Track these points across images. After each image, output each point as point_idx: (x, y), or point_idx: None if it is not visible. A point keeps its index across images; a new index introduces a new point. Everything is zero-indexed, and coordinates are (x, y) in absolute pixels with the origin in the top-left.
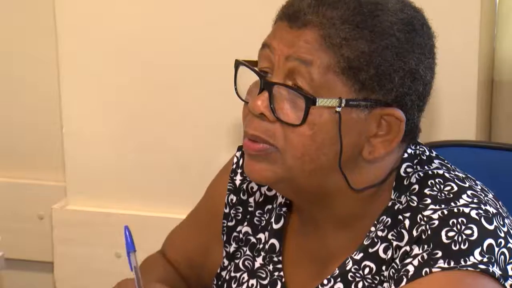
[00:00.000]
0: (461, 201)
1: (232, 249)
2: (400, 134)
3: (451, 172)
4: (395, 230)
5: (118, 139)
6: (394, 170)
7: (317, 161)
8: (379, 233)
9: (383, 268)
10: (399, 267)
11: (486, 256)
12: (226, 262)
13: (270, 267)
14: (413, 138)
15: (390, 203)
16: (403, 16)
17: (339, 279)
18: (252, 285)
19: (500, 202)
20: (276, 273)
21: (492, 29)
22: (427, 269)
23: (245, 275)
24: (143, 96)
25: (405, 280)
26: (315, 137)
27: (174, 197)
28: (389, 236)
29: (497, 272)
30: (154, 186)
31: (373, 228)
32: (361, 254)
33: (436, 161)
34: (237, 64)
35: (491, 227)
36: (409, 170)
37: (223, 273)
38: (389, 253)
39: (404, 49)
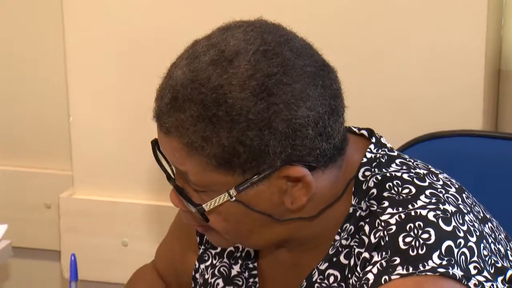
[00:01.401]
0: (419, 203)
1: (200, 251)
2: (308, 178)
3: (411, 171)
4: (357, 237)
5: (125, 129)
6: (352, 178)
7: (252, 231)
8: (343, 242)
9: (348, 275)
10: (360, 275)
11: (445, 258)
12: (197, 264)
13: (246, 274)
14: (339, 153)
15: (351, 210)
16: (254, 84)
17: None
18: None
19: (464, 195)
20: (251, 280)
21: (499, 19)
22: (386, 277)
23: (220, 281)
24: (150, 86)
25: None
26: (230, 222)
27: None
28: (352, 243)
29: (458, 273)
30: (161, 175)
31: (337, 237)
32: (326, 264)
33: (397, 160)
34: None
35: (449, 228)
36: (367, 173)
37: (197, 275)
38: (352, 260)
39: (266, 118)
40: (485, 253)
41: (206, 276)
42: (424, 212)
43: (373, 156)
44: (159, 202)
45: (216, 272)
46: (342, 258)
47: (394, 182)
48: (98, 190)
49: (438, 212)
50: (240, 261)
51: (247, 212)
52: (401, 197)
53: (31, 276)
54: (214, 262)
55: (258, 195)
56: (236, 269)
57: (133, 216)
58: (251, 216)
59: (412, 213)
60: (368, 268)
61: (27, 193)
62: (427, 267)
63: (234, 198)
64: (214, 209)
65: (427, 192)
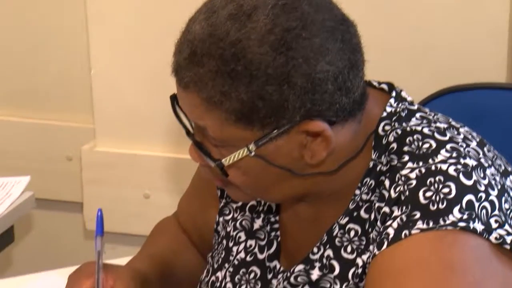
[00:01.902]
0: (439, 157)
1: (221, 204)
2: (328, 132)
3: (432, 125)
4: (377, 191)
5: (147, 81)
6: (372, 133)
7: (271, 185)
8: (364, 196)
9: (369, 229)
10: (380, 229)
11: (466, 213)
12: (217, 218)
13: (268, 228)
14: (359, 108)
15: (371, 164)
16: (273, 38)
17: (328, 246)
18: (251, 245)
19: (486, 148)
20: (273, 233)
21: None
22: (407, 231)
23: (242, 234)
24: (171, 39)
25: (386, 243)
26: (249, 176)
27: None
28: (372, 198)
29: (479, 227)
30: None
31: (357, 192)
32: (347, 218)
33: (417, 114)
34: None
35: (470, 182)
36: (387, 128)
37: (219, 228)
38: (372, 214)
39: (285, 73)
40: (507, 206)
41: (228, 229)
42: (444, 167)
43: (393, 110)
44: (181, 154)
45: (238, 225)
46: (362, 212)
47: (414, 137)
48: (120, 143)
49: (459, 167)
50: (262, 215)
51: (266, 167)
52: (421, 151)
53: (53, 227)
54: (235, 215)
55: (278, 149)
56: (258, 223)
57: (155, 168)
58: (270, 171)
59: (433, 167)
60: (388, 223)
61: (49, 146)
62: (447, 222)
63: (253, 153)
64: (233, 164)
65: (448, 146)
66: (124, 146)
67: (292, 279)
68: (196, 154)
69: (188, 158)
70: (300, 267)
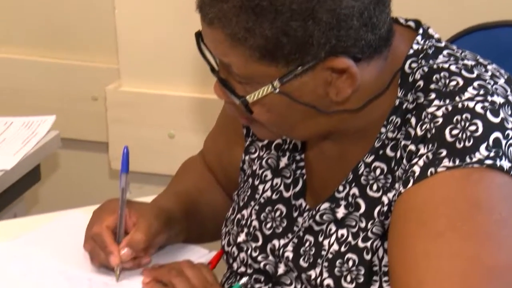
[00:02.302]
0: (466, 95)
1: (247, 143)
2: (353, 69)
3: (459, 62)
4: (403, 130)
5: (171, 20)
6: (398, 70)
7: (296, 123)
8: (389, 134)
9: (394, 168)
10: (406, 167)
11: (493, 150)
12: (243, 156)
13: (293, 166)
14: (385, 45)
15: (397, 102)
16: None
17: (353, 184)
18: (277, 183)
19: None
20: (298, 172)
21: None
22: (433, 169)
23: (268, 173)
24: None
25: (411, 181)
26: (274, 114)
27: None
28: (398, 136)
29: (506, 165)
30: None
31: (383, 130)
32: (372, 157)
33: (445, 51)
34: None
35: (497, 120)
36: (413, 65)
37: (245, 167)
38: (398, 153)
39: (310, 9)
40: None
41: (254, 167)
42: (471, 104)
43: (419, 48)
44: (205, 94)
45: (263, 163)
46: (388, 150)
47: (441, 74)
48: (145, 83)
49: (486, 104)
50: (287, 153)
51: (291, 104)
52: (448, 89)
53: (79, 167)
54: (261, 154)
55: (302, 86)
56: (284, 161)
57: (180, 108)
58: (295, 108)
59: (459, 105)
60: (414, 161)
61: (74, 86)
62: (474, 159)
63: (278, 90)
64: (258, 101)
65: (475, 83)
66: (149, 86)
67: (317, 217)
68: (220, 91)
69: (213, 98)
70: (326, 205)
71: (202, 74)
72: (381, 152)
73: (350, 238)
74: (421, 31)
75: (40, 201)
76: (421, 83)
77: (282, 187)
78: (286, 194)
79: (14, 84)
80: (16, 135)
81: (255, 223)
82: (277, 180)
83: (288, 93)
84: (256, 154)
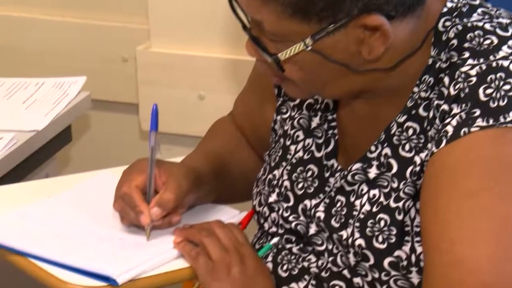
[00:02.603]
0: (501, 54)
1: (278, 102)
2: (386, 27)
3: (493, 21)
4: (436, 89)
5: None
6: (431, 29)
7: (327, 81)
8: (422, 94)
9: (427, 128)
10: (439, 127)
11: None
12: (274, 116)
13: (325, 126)
14: (418, 2)
15: (430, 61)
16: None
17: (385, 144)
18: (308, 144)
19: None
20: (330, 131)
21: None
22: (466, 129)
23: (300, 133)
24: None
25: (444, 141)
26: (306, 72)
27: None
28: (431, 96)
29: None
30: (238, 28)
31: (416, 89)
32: (405, 116)
33: (479, 9)
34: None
35: None
36: (447, 24)
37: (276, 127)
38: (431, 112)
39: None
40: None
41: (286, 128)
42: (506, 63)
43: (453, 6)
44: (235, 55)
45: (295, 123)
46: (421, 110)
47: (476, 33)
48: (174, 43)
49: None
50: (319, 113)
51: (323, 62)
52: (482, 48)
53: (110, 128)
54: (293, 114)
55: (335, 44)
56: (315, 121)
57: (210, 69)
58: (327, 66)
59: (494, 64)
60: (447, 121)
61: (104, 47)
62: (508, 119)
63: (310, 47)
64: (290, 58)
65: (510, 42)
66: (179, 46)
67: (349, 178)
68: (252, 49)
69: (243, 59)
70: (358, 165)
71: (233, 35)
72: (413, 112)
73: (382, 199)
74: None
75: (72, 161)
76: (454, 42)
77: (313, 147)
78: (317, 154)
79: (45, 45)
80: (48, 96)
81: (286, 183)
82: (309, 140)
83: (320, 51)
84: (288, 114)
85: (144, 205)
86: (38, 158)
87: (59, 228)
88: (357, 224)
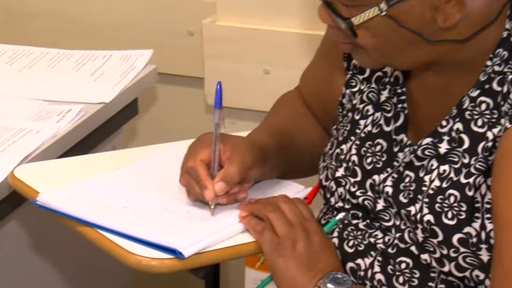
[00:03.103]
0: None
1: (348, 76)
2: None
3: None
4: (511, 63)
5: None
6: (507, 1)
7: (400, 49)
8: (496, 68)
9: (501, 103)
10: None
11: None
12: (343, 90)
13: (394, 100)
14: None
15: (505, 34)
16: None
17: (457, 119)
18: (377, 117)
19: None
20: (399, 105)
21: None
22: None
23: (370, 107)
24: None
25: None
26: (378, 38)
27: None
28: (505, 70)
29: None
30: (305, 2)
31: (489, 63)
32: (478, 91)
33: None
34: None
35: None
36: None
37: (344, 101)
38: (505, 87)
39: None
40: None
41: (354, 102)
42: None
43: None
44: (301, 29)
45: (364, 98)
46: (494, 85)
47: None
48: (241, 17)
49: None
50: (388, 87)
51: (396, 29)
52: None
53: (175, 101)
54: (362, 87)
55: (409, 10)
56: (384, 94)
57: (276, 43)
58: (400, 33)
59: None
60: None
61: (171, 20)
62: None
63: (384, 13)
64: (363, 24)
65: None
66: (245, 20)
67: (419, 152)
68: (325, 14)
69: (309, 34)
70: (428, 140)
71: (300, 9)
72: (487, 86)
73: (452, 174)
74: None
75: (138, 134)
76: None
77: (382, 121)
78: (386, 128)
79: (112, 18)
80: (115, 69)
81: (354, 158)
82: (378, 114)
83: (394, 17)
84: (357, 88)
85: (209, 180)
86: (105, 131)
87: (126, 200)
88: (426, 199)
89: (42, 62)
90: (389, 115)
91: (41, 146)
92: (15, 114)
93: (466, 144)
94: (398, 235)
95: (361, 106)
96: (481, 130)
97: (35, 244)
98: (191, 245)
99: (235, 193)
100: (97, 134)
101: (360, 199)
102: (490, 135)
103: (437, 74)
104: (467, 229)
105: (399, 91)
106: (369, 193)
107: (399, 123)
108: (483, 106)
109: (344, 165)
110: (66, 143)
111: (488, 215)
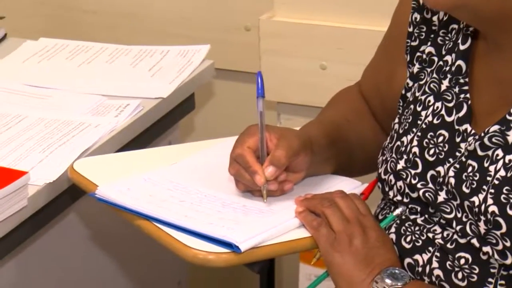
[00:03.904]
0: None
1: (415, 69)
2: None
3: None
4: None
5: None
6: None
7: None
8: None
9: None
10: None
11: None
12: (410, 83)
13: (456, 89)
14: None
15: None
16: None
17: None
18: (438, 107)
19: None
20: (462, 95)
21: None
22: None
23: (431, 98)
24: None
25: None
26: None
27: (382, 9)
28: None
29: None
30: None
31: None
32: None
33: None
34: None
35: None
36: None
37: (408, 94)
38: None
39: None
40: None
41: (417, 94)
42: None
43: None
44: (359, 25)
45: (426, 89)
46: None
47: None
48: (298, 13)
49: None
50: (449, 76)
51: None
52: None
53: (231, 97)
54: (428, 79)
55: None
56: (445, 83)
57: (333, 39)
58: None
59: None
60: None
61: (227, 16)
62: None
63: None
64: None
65: None
66: (303, 16)
67: (485, 140)
68: None
69: (366, 29)
70: (496, 127)
71: (357, 4)
72: None
73: None
74: None
75: (194, 130)
76: None
77: (443, 111)
78: (448, 119)
79: (170, 13)
80: (172, 64)
81: (415, 149)
82: (438, 104)
83: None
84: (424, 80)
85: (258, 165)
86: (162, 126)
87: (183, 194)
88: (491, 190)
89: (101, 58)
90: (450, 105)
91: (99, 140)
92: (75, 109)
93: None
94: (459, 227)
95: (423, 97)
96: None
97: (94, 236)
98: (247, 239)
99: (283, 183)
100: (154, 129)
101: (421, 192)
102: None
103: (504, 62)
104: None
105: (461, 80)
106: (430, 185)
107: (462, 113)
108: None
109: (405, 157)
110: (123, 138)
111: None
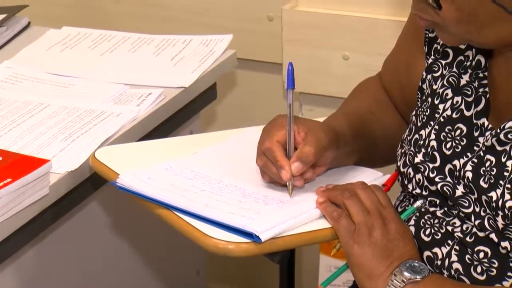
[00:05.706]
0: None
1: (430, 60)
2: None
3: None
4: None
5: None
6: None
7: (483, 24)
8: None
9: None
10: None
11: None
12: (424, 74)
13: (476, 84)
14: None
15: None
16: None
17: None
18: (457, 102)
19: None
20: (480, 89)
21: None
22: None
23: (449, 91)
24: None
25: None
26: (462, 12)
27: None
28: None
29: None
30: None
31: None
32: None
33: None
34: None
35: None
36: None
37: (424, 86)
38: None
39: None
40: None
41: (434, 87)
42: None
43: None
44: (382, 15)
45: (445, 82)
46: None
47: None
48: (320, 2)
49: None
50: (469, 71)
51: (481, 3)
52: None
53: (254, 87)
54: (444, 72)
55: None
56: (465, 78)
57: (355, 29)
58: (485, 8)
59: None
60: None
61: (250, 5)
62: None
63: None
64: (449, 3)
65: None
66: (325, 6)
67: (501, 136)
68: None
69: (389, 20)
70: (511, 123)
71: None
72: None
73: None
74: None
75: (216, 119)
76: None
77: (463, 106)
78: (467, 113)
79: (193, 3)
80: (195, 53)
81: (433, 143)
82: (458, 98)
83: None
84: (439, 73)
85: (285, 160)
86: (184, 115)
87: (204, 183)
88: (509, 185)
89: (124, 47)
90: (470, 99)
91: (121, 129)
92: (97, 97)
93: None
94: (477, 222)
95: (441, 90)
96: None
97: (114, 225)
98: (268, 230)
99: (308, 178)
100: (176, 118)
101: (439, 185)
102: None
103: None
104: None
105: (481, 75)
106: (448, 178)
107: (480, 107)
108: None
109: (423, 150)
110: (145, 127)
111: None
